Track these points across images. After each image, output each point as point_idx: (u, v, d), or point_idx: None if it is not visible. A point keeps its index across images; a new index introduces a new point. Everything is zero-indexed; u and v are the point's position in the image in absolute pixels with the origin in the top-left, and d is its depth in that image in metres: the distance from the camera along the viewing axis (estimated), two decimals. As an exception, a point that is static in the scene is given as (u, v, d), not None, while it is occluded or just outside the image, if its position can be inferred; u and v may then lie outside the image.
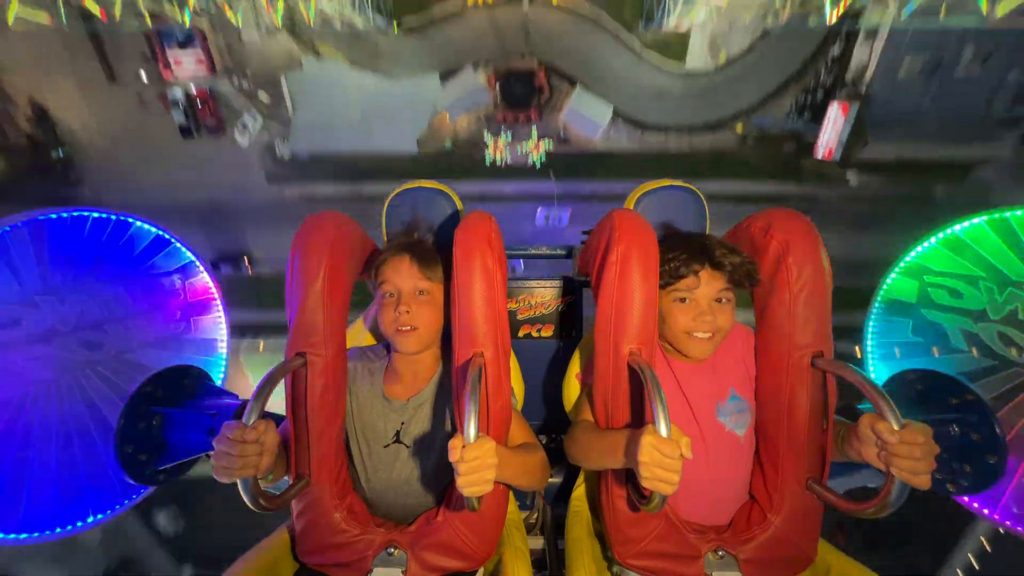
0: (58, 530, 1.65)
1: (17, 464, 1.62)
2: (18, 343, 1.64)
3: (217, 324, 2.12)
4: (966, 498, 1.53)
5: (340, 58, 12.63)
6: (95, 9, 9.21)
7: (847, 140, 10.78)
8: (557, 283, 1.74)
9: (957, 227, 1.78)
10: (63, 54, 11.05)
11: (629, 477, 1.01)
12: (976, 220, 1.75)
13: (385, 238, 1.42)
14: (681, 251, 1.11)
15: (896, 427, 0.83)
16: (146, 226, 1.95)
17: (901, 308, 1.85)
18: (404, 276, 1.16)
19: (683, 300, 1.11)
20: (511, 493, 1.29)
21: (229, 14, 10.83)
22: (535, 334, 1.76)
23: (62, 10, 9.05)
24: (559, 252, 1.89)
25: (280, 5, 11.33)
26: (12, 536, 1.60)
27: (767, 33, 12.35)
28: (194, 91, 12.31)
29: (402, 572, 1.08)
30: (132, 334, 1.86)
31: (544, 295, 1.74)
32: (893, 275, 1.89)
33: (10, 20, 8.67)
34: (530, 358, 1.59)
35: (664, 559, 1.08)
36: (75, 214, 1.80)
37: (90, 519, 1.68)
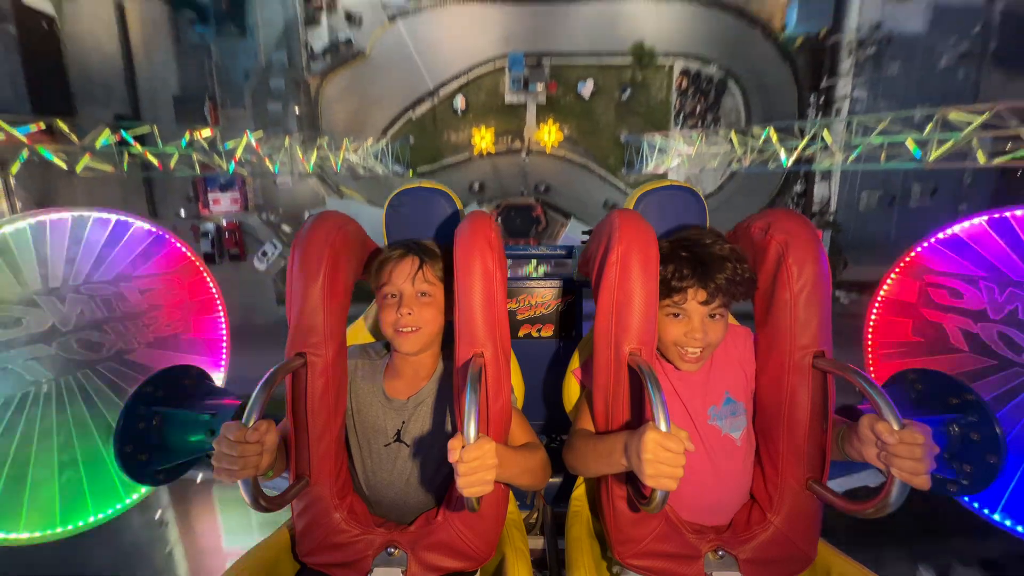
0: (58, 530, 1.65)
1: (17, 464, 1.62)
2: (18, 343, 1.64)
3: (217, 324, 2.12)
4: (966, 498, 1.52)
5: (359, 197, 16.57)
6: (154, 161, 11.65)
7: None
8: (557, 283, 1.73)
9: (957, 227, 1.78)
10: (117, 193, 14.47)
11: (629, 477, 1.01)
12: (976, 220, 1.75)
13: (385, 238, 1.42)
14: (680, 265, 1.07)
15: (896, 427, 0.84)
16: (146, 226, 1.95)
17: (901, 308, 1.85)
18: (406, 278, 1.15)
19: (676, 315, 1.10)
20: (511, 493, 1.29)
21: (268, 163, 13.42)
22: (535, 334, 1.76)
23: (125, 161, 11.22)
24: (559, 252, 1.88)
25: (313, 156, 14.13)
26: (12, 536, 1.60)
27: (735, 175, 15.69)
28: (224, 224, 15.79)
29: (402, 572, 1.08)
30: (132, 334, 1.86)
31: (544, 295, 1.73)
32: (893, 275, 1.89)
33: (78, 169, 10.59)
34: (530, 358, 1.58)
35: (664, 559, 1.08)
36: (76, 215, 1.80)
37: (91, 519, 1.68)
